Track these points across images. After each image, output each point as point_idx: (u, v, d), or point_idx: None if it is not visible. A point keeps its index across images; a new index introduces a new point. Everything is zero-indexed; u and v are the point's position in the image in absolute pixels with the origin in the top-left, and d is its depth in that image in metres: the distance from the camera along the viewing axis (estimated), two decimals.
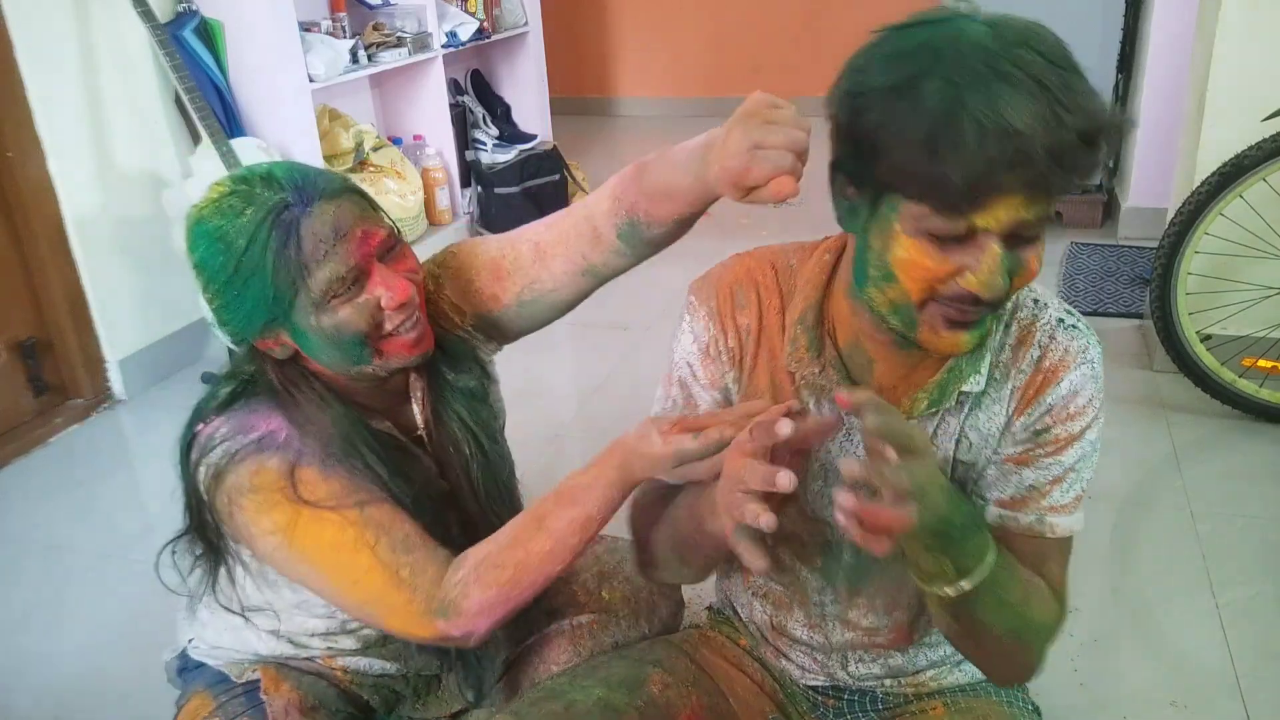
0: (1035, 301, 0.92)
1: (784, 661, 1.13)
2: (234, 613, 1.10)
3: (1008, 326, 0.92)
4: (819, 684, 1.12)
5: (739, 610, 1.17)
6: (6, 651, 1.76)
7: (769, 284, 0.98)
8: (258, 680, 1.11)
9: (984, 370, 0.90)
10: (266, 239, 0.89)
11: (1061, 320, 0.91)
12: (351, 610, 1.01)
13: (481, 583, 0.94)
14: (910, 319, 0.82)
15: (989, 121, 0.68)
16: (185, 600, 1.19)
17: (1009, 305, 0.91)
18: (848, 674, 1.09)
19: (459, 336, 1.12)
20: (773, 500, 0.87)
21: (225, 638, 1.15)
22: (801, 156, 0.83)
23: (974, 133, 0.68)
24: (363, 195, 0.98)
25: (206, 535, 1.02)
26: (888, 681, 1.09)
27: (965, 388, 0.90)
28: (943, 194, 0.72)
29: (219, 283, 0.92)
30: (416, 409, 1.07)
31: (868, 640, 1.06)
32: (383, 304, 0.95)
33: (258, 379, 1.01)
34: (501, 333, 1.16)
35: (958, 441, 0.93)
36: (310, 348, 0.97)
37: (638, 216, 1.01)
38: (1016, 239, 0.76)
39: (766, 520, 0.77)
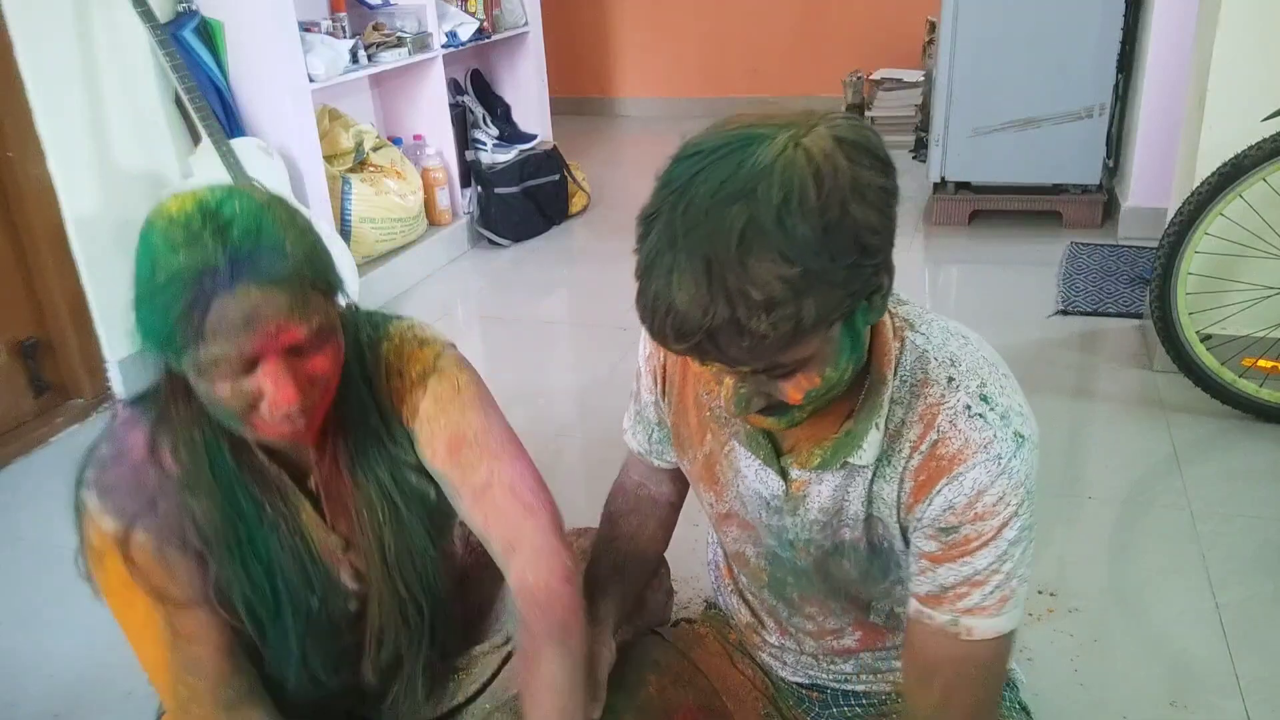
0: (950, 380, 0.85)
1: (766, 655, 1.14)
2: None
3: (915, 400, 0.87)
4: (800, 681, 1.13)
5: (724, 602, 1.18)
6: (7, 651, 1.77)
7: None
8: None
9: (867, 445, 0.87)
10: (180, 291, 0.85)
11: (969, 407, 0.84)
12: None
13: None
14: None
15: (662, 295, 0.71)
16: None
17: (917, 376, 0.87)
18: (823, 672, 1.10)
19: (397, 419, 1.08)
20: (717, 518, 1.03)
21: None
22: None
23: (651, 300, 0.72)
24: (314, 283, 0.90)
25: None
26: (865, 677, 1.10)
27: (850, 459, 0.88)
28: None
29: (136, 290, 0.89)
30: (314, 465, 1.03)
31: (836, 645, 1.07)
32: (262, 400, 0.90)
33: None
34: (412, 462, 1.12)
35: (869, 502, 0.92)
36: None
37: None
38: (770, 371, 0.77)
39: None
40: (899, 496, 0.89)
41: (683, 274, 0.69)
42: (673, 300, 0.70)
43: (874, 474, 0.89)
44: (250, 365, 0.88)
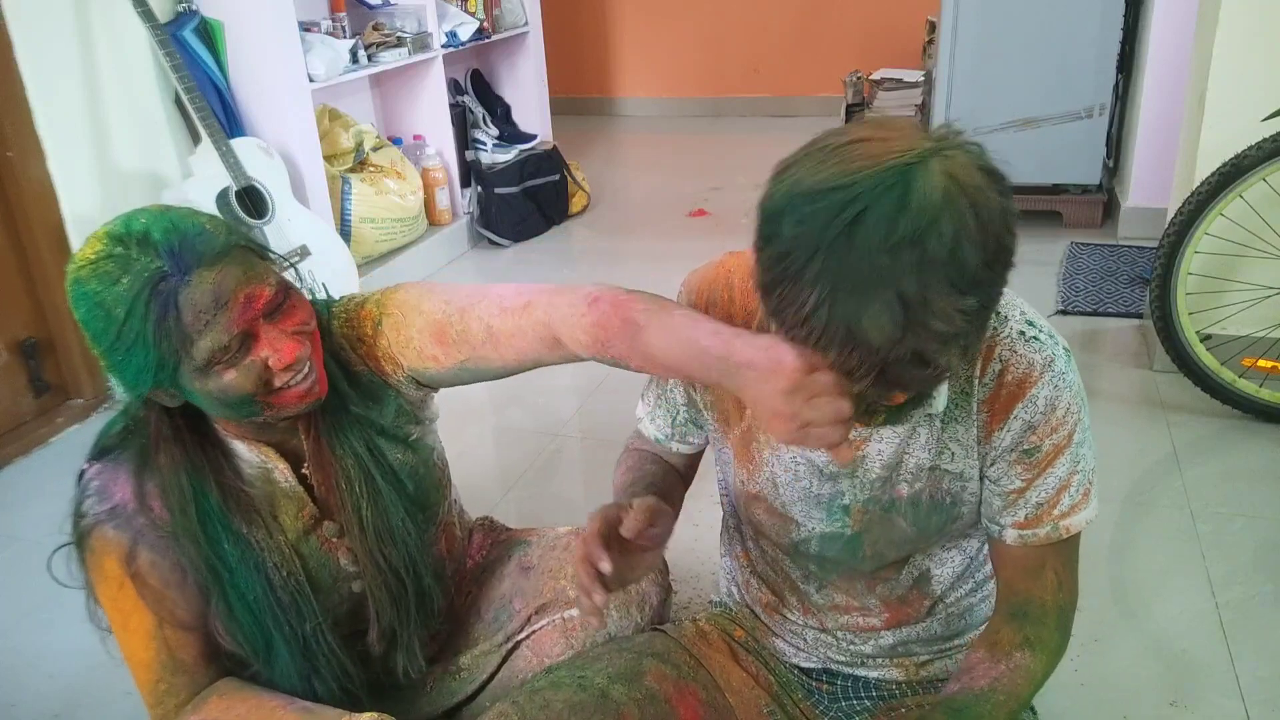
0: (996, 314, 0.91)
1: (777, 640, 1.14)
2: None
3: None
4: (812, 666, 1.13)
5: (739, 588, 1.18)
6: (8, 650, 1.77)
7: (747, 288, 1.00)
8: None
9: (939, 394, 0.91)
10: (145, 311, 0.87)
11: (1023, 333, 0.91)
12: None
13: None
14: None
15: (855, 331, 0.72)
16: None
17: None
18: (841, 653, 1.10)
19: (385, 382, 1.11)
20: (745, 497, 1.02)
21: None
22: (847, 422, 0.81)
23: (840, 335, 0.73)
24: (248, 248, 0.95)
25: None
26: (880, 661, 1.10)
27: (926, 410, 0.92)
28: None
29: (103, 346, 0.92)
30: (305, 449, 1.08)
31: (861, 622, 1.08)
32: (270, 364, 0.94)
33: (140, 426, 1.05)
34: (435, 385, 1.15)
35: (939, 452, 0.95)
36: (199, 403, 0.97)
37: (624, 364, 0.95)
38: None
39: (597, 601, 0.90)
40: (977, 432, 0.93)
41: (874, 312, 0.71)
42: (865, 335, 0.72)
43: (944, 420, 0.93)
44: (244, 344, 0.93)
